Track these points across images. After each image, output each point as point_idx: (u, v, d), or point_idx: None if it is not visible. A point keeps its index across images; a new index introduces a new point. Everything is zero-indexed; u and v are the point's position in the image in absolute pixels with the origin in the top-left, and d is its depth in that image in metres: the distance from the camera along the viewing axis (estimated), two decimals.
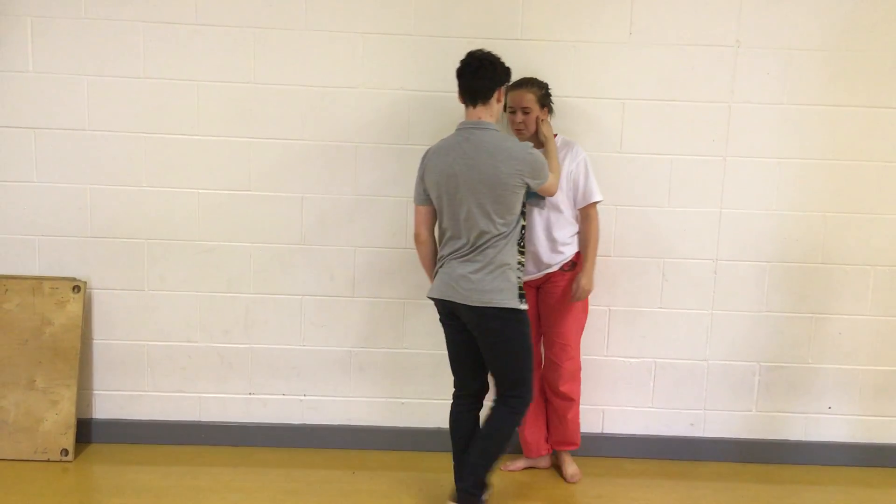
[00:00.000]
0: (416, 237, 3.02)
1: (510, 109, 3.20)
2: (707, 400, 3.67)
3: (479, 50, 2.88)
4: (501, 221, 2.80)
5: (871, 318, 3.58)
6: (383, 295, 3.60)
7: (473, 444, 2.95)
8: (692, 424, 3.69)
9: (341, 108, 3.46)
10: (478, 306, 2.80)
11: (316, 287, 3.58)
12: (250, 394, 3.67)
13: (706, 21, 3.40)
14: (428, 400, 3.66)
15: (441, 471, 3.40)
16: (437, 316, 3.03)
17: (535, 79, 3.26)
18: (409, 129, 3.46)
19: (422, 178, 2.94)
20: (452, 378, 3.10)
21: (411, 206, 3.18)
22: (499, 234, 2.80)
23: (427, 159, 2.93)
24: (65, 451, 3.48)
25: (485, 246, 2.80)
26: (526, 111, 3.16)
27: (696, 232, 3.53)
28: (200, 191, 3.51)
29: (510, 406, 2.94)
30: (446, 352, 3.10)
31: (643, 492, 3.37)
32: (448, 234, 2.90)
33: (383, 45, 3.42)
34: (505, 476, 3.45)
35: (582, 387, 3.54)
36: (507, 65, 2.91)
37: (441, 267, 2.93)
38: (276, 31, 3.41)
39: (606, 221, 3.47)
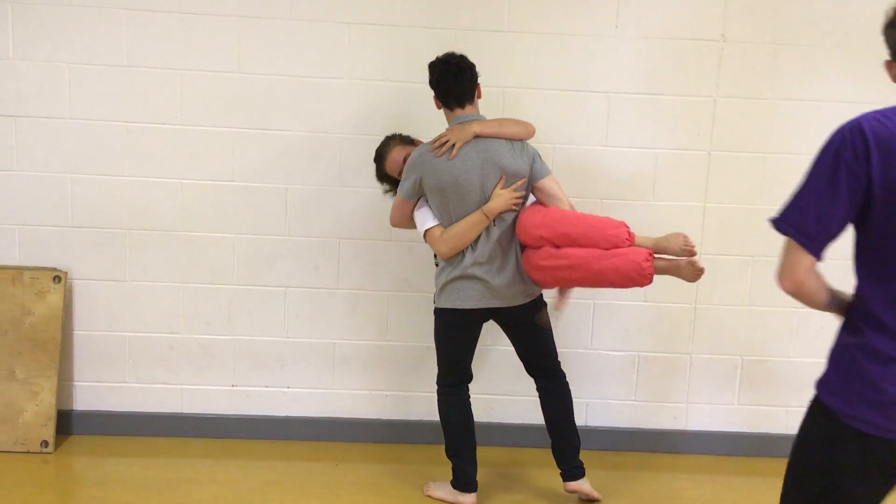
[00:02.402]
0: (398, 227, 3.13)
1: (399, 175, 3.08)
2: (690, 393, 3.68)
3: (449, 54, 2.93)
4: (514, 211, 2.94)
5: None
6: (368, 287, 3.59)
7: (563, 425, 3.11)
8: (675, 417, 3.71)
9: (327, 99, 3.44)
10: (529, 301, 2.99)
11: (300, 278, 3.57)
12: (233, 385, 3.65)
13: (692, 15, 3.40)
14: (412, 392, 3.65)
15: (425, 462, 3.41)
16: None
17: (383, 142, 3.18)
18: (395, 121, 3.43)
19: (419, 180, 2.92)
20: (440, 370, 3.10)
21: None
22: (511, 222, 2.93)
23: (425, 160, 2.89)
24: (45, 443, 3.45)
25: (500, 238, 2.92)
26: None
27: (681, 226, 3.46)
28: (183, 181, 3.48)
29: (564, 377, 3.17)
30: (433, 345, 3.13)
31: (626, 484, 3.38)
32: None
33: (369, 36, 3.40)
34: (488, 471, 3.44)
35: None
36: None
37: (463, 277, 2.92)
38: (261, 20, 3.38)
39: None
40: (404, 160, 3.02)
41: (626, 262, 2.74)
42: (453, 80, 2.88)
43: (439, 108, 3.00)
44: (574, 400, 3.52)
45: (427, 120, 3.33)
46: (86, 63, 3.37)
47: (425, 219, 2.98)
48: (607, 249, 2.78)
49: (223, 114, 3.44)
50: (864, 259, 1.71)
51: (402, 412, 3.68)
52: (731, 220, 3.54)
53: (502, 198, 2.86)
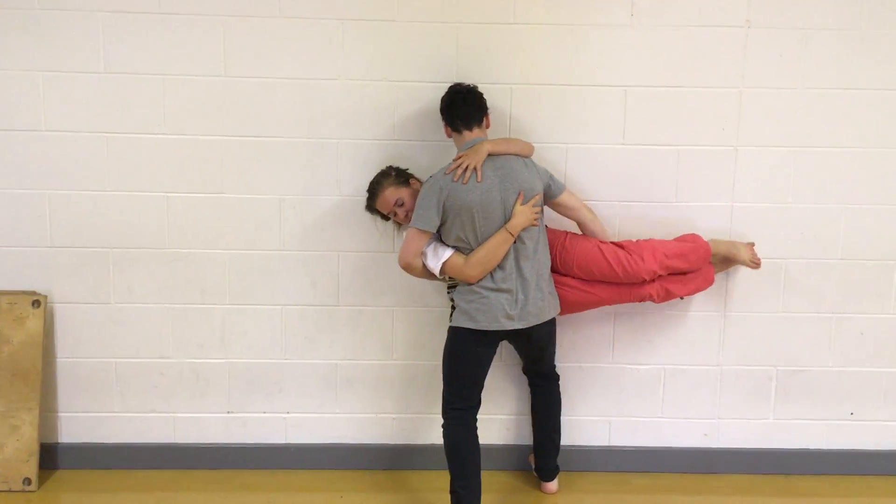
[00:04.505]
0: (408, 267, 2.96)
1: (389, 214, 3.11)
2: (721, 408, 3.47)
3: (456, 83, 3.03)
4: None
5: (895, 317, 3.36)
6: (371, 303, 3.37)
7: (550, 424, 3.25)
8: (706, 435, 3.49)
9: (321, 102, 3.22)
10: (551, 318, 3.03)
11: (297, 296, 3.36)
12: (229, 412, 3.44)
13: (714, 0, 3.16)
14: (420, 415, 3.43)
15: (436, 490, 3.23)
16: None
17: (377, 178, 3.11)
18: (395, 124, 3.23)
19: (441, 205, 2.86)
20: (450, 393, 2.98)
21: None
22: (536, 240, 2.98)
23: (443, 185, 2.86)
24: (27, 480, 3.23)
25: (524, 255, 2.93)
26: (400, 203, 3.05)
27: (707, 228, 3.31)
28: (170, 194, 3.27)
29: (558, 380, 3.29)
30: (440, 363, 3.03)
31: None
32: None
33: (365, 33, 3.18)
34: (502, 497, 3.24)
35: (586, 396, 3.46)
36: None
37: (486, 296, 2.89)
38: (249, 18, 3.16)
39: (609, 218, 3.28)
40: (395, 203, 3.03)
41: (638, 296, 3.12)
42: (461, 100, 2.96)
43: (449, 136, 3.04)
44: (596, 418, 3.48)
45: (429, 122, 3.18)
46: (61, 70, 3.17)
47: (438, 251, 2.94)
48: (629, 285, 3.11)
49: (210, 121, 3.22)
50: None
51: (410, 436, 3.48)
52: (760, 220, 3.32)
53: (524, 214, 2.88)
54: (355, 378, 3.43)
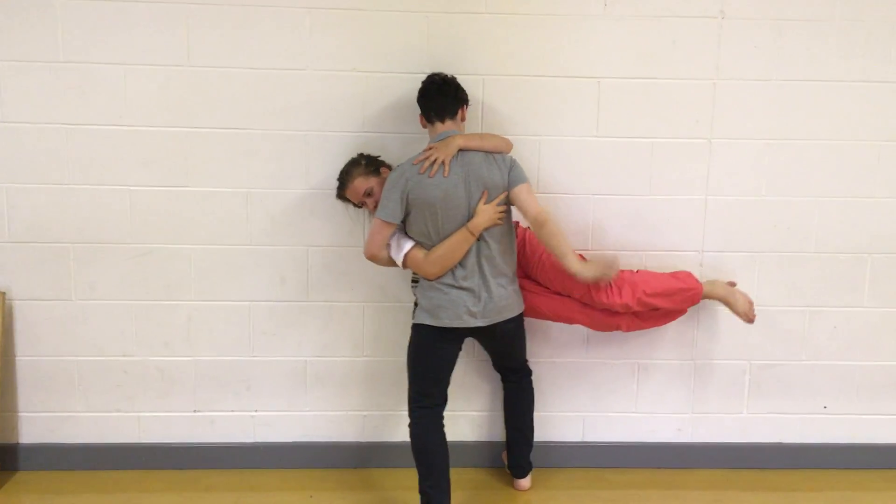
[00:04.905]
0: (372, 258, 2.93)
1: (360, 203, 3.05)
2: (695, 402, 3.44)
3: (434, 73, 2.95)
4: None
5: (869, 310, 3.36)
6: (341, 298, 3.30)
7: (522, 420, 3.20)
8: (679, 430, 3.46)
9: (288, 93, 3.14)
10: (516, 315, 2.96)
11: (266, 291, 3.28)
12: (195, 411, 3.36)
13: None
14: (392, 412, 3.38)
15: (407, 489, 3.16)
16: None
17: (347, 167, 3.05)
18: (365, 115, 3.16)
19: (405, 198, 2.81)
20: (415, 392, 2.93)
21: None
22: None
23: (409, 176, 2.81)
24: None
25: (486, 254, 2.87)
26: (369, 193, 2.99)
27: (681, 221, 3.28)
28: (132, 188, 3.18)
29: (530, 375, 3.24)
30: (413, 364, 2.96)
31: None
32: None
33: (333, 22, 3.10)
34: (474, 494, 3.19)
35: (559, 392, 3.42)
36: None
37: (448, 293, 2.84)
38: (213, 6, 3.07)
39: (583, 212, 3.24)
40: (364, 192, 2.98)
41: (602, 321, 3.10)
42: (436, 91, 2.90)
43: (424, 126, 2.97)
44: (569, 414, 3.42)
45: (400, 114, 3.14)
46: (17, 60, 3.06)
47: (401, 243, 2.89)
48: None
49: (174, 112, 3.13)
50: None
51: (382, 434, 3.42)
52: (735, 213, 3.29)
53: (486, 213, 2.81)
54: (325, 375, 3.36)
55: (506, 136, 2.99)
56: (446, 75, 2.94)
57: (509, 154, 2.93)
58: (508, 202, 2.88)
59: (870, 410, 3.44)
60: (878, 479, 3.38)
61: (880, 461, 3.45)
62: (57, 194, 3.16)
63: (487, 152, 2.86)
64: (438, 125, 2.89)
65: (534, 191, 2.95)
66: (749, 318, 3.12)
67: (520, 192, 2.85)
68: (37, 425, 3.32)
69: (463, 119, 2.96)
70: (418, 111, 2.96)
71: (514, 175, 2.87)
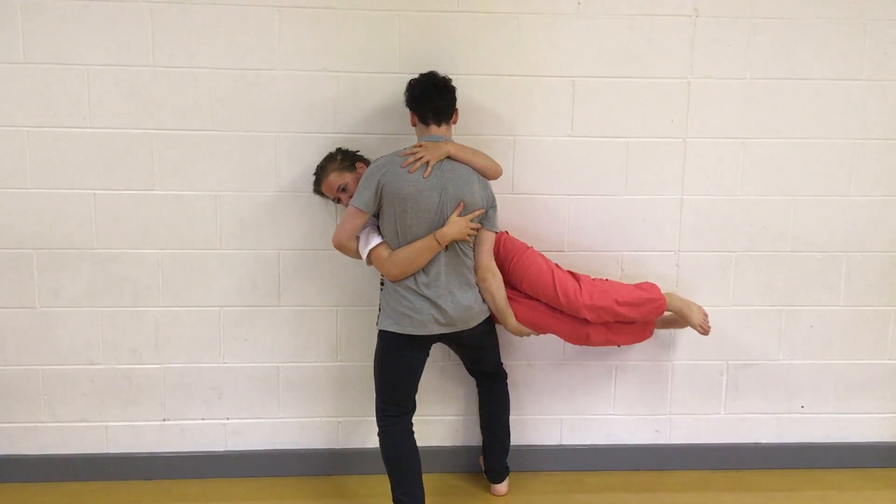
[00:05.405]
0: (340, 247, 2.85)
1: (335, 199, 3.03)
2: (672, 404, 3.42)
3: (432, 73, 2.86)
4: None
5: (845, 309, 3.36)
6: (313, 302, 3.24)
7: (498, 424, 3.18)
8: (657, 431, 3.43)
9: (257, 94, 3.08)
10: (484, 320, 2.93)
11: (236, 296, 3.21)
12: (164, 420, 3.28)
13: None
14: (366, 418, 3.32)
15: (380, 496, 3.11)
16: (371, 323, 2.87)
17: (322, 163, 3.03)
18: (336, 116, 3.11)
19: (380, 188, 2.74)
20: (383, 400, 2.89)
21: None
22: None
23: (389, 168, 2.74)
24: None
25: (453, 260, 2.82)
26: (342, 188, 2.97)
27: (656, 221, 3.25)
28: (97, 192, 3.10)
29: (505, 378, 3.21)
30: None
31: None
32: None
33: (303, 21, 3.05)
34: (450, 500, 3.15)
35: (536, 395, 3.38)
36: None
37: (412, 299, 2.78)
38: (178, 4, 3.00)
39: (559, 213, 3.21)
40: (338, 188, 2.95)
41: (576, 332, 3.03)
42: (438, 94, 2.82)
43: (414, 124, 2.90)
44: (547, 417, 3.39)
45: (371, 115, 3.09)
46: None
47: (370, 238, 2.83)
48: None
49: (139, 114, 3.06)
50: None
51: (357, 440, 3.36)
52: (710, 212, 3.27)
53: (457, 225, 2.75)
54: (298, 381, 3.29)
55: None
56: (445, 77, 2.86)
57: (492, 183, 2.90)
58: (481, 222, 2.83)
59: (847, 409, 3.43)
60: (856, 478, 3.38)
61: (858, 460, 3.45)
62: (18, 199, 3.08)
63: (474, 169, 2.81)
64: (433, 128, 2.83)
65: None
66: (704, 330, 3.05)
67: (486, 238, 2.85)
68: (0, 437, 3.23)
69: (455, 121, 2.91)
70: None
71: (490, 217, 2.84)
